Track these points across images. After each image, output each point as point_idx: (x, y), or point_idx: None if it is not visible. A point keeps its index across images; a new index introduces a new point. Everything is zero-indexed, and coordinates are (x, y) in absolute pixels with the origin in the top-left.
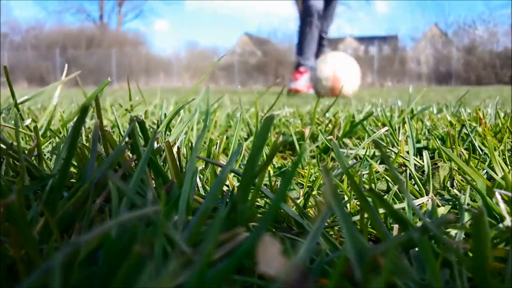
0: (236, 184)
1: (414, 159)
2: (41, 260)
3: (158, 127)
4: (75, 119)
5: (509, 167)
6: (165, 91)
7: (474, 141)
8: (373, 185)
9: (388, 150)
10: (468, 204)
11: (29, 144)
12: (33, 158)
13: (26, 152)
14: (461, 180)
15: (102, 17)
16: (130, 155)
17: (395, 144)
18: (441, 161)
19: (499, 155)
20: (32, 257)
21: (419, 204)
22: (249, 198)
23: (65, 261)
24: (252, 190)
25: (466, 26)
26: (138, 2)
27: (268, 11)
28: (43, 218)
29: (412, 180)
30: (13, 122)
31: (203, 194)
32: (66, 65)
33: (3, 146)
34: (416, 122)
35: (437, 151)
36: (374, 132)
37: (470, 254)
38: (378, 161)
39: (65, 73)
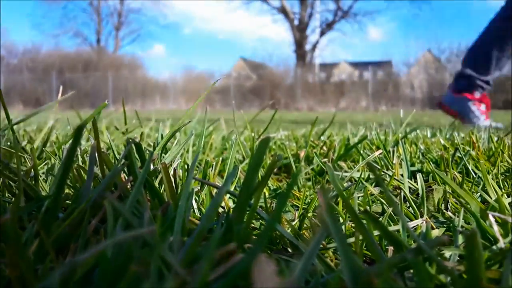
0: (232, 205)
1: (408, 182)
2: (36, 281)
3: (154, 149)
4: (70, 140)
5: (503, 190)
6: (160, 114)
7: (467, 164)
8: (368, 207)
9: (382, 173)
10: (462, 227)
11: (25, 166)
12: (29, 179)
13: (22, 173)
14: (455, 202)
15: (99, 41)
16: (126, 176)
17: (390, 167)
18: (435, 184)
19: (492, 179)
20: (27, 277)
21: (414, 227)
22: (245, 220)
23: (61, 281)
24: (247, 212)
25: (459, 52)
26: (135, 27)
27: (264, 36)
28: (38, 238)
29: (407, 202)
30: (9, 143)
31: (199, 215)
32: (61, 87)
33: None
34: (410, 145)
35: (431, 174)
36: (369, 155)
37: (464, 276)
38: (373, 184)
39: (61, 95)
